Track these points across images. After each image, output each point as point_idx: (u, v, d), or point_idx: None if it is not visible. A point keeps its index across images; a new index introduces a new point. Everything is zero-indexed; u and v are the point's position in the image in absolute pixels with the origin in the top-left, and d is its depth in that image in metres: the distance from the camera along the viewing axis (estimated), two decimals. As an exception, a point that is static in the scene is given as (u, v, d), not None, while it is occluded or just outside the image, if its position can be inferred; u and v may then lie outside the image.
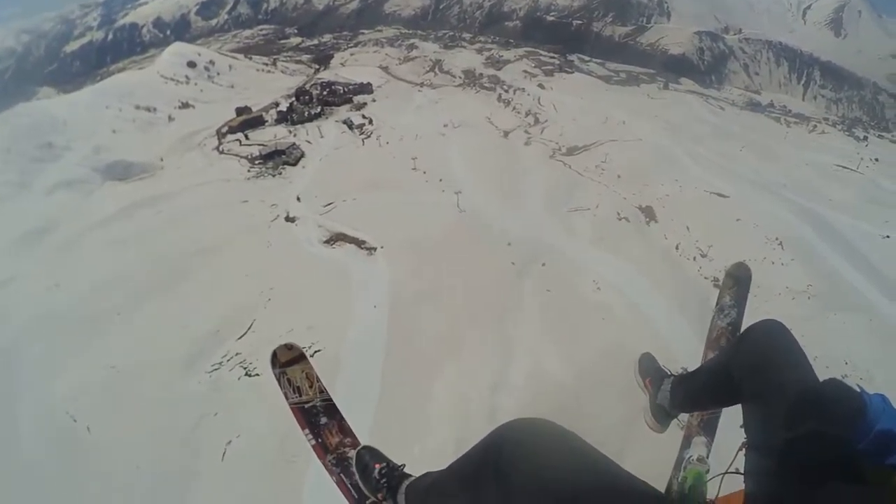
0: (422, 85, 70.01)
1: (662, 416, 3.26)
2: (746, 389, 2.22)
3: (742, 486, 1.96)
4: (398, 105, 58.04)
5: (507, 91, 64.86)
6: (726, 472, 2.20)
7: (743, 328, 3.16)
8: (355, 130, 49.29)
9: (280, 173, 40.38)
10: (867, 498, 1.50)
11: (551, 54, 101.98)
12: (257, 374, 19.55)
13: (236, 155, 45.16)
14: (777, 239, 28.07)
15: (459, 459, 2.13)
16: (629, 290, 24.13)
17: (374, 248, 26.73)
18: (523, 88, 64.90)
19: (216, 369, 20.49)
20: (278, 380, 3.09)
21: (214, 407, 18.76)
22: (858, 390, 1.70)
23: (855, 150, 51.35)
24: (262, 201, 34.61)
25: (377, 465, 2.94)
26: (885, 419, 1.56)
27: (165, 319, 23.11)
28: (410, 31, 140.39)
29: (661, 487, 2.28)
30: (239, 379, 19.86)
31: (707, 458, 3.23)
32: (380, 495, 2.85)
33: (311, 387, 3.04)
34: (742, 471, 1.99)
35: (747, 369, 2.25)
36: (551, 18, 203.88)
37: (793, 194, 34.71)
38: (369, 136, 46.79)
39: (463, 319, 21.73)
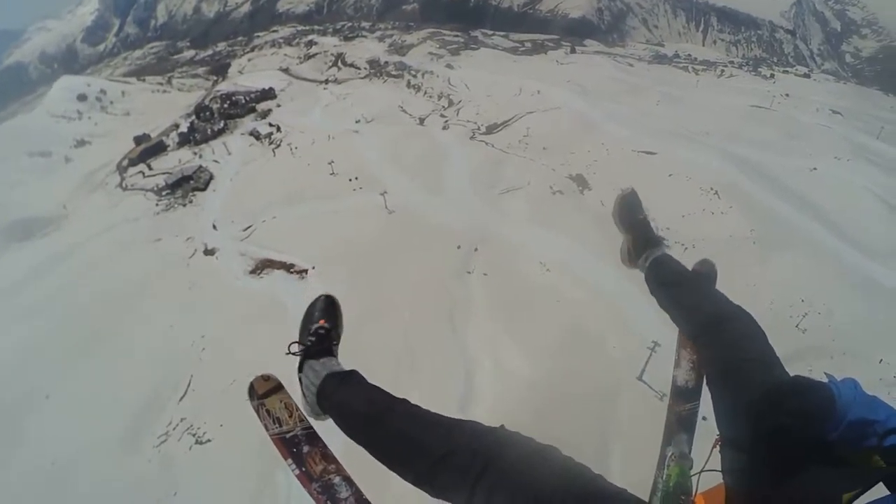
0: (326, 82, 67.36)
1: (634, 264, 3.32)
2: (712, 370, 2.35)
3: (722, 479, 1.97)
4: (305, 107, 55.62)
5: (415, 76, 63.24)
6: (703, 471, 2.20)
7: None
8: (263, 141, 46.73)
9: (191, 201, 37.85)
10: (847, 481, 1.53)
11: (454, 33, 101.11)
12: (209, 441, 17.91)
13: (141, 189, 42.28)
14: (712, 189, 27.95)
15: (428, 438, 2.12)
16: (577, 266, 23.35)
17: (305, 271, 25.00)
18: (431, 71, 63.50)
19: (163, 442, 18.69)
20: (257, 412, 2.83)
21: (170, 486, 17.01)
22: (827, 381, 1.70)
23: (765, 88, 52.87)
24: (176, 236, 32.29)
25: (322, 322, 2.79)
26: (856, 408, 1.59)
27: (95, 393, 20.99)
28: (307, 28, 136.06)
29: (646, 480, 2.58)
30: (190, 448, 18.08)
31: (689, 453, 2.98)
32: (295, 346, 2.69)
33: (290, 416, 2.79)
34: (720, 467, 2.01)
35: (713, 351, 2.36)
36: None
37: (717, 141, 34.93)
38: (279, 145, 44.30)
39: (413, 332, 20.50)
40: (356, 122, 46.43)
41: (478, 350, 19.41)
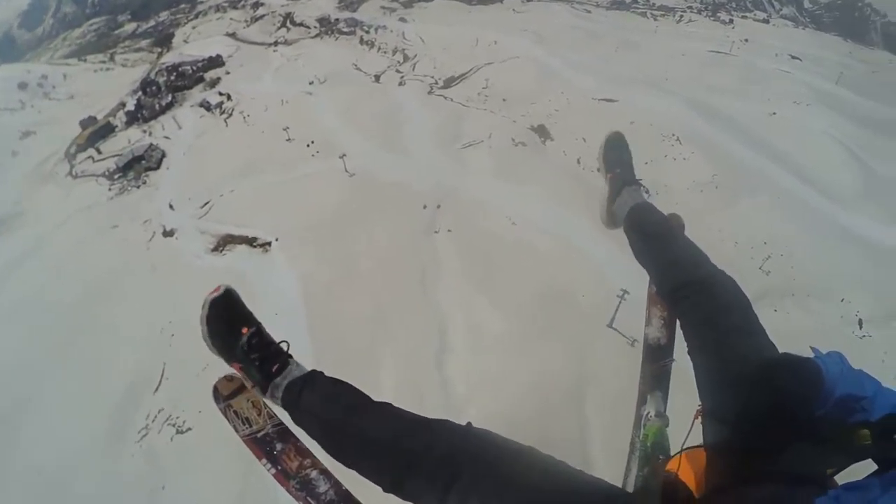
0: (276, 44, 64.63)
1: (615, 222, 3.29)
2: (695, 340, 2.27)
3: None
4: (255, 71, 53.46)
5: (367, 32, 61.29)
6: (684, 449, 2.09)
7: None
8: (215, 111, 44.97)
9: (144, 182, 36.43)
10: (831, 456, 1.55)
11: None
12: (189, 429, 17.53)
13: (92, 175, 40.50)
14: (673, 135, 27.92)
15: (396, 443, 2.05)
16: (543, 217, 23.09)
17: (269, 243, 24.29)
18: (384, 26, 61.62)
19: (144, 435, 18.20)
20: (224, 414, 2.93)
21: (159, 479, 16.61)
22: (814, 356, 1.69)
23: (724, 33, 52.80)
24: (132, 221, 31.11)
25: (246, 329, 2.58)
26: (843, 383, 1.59)
27: (74, 392, 20.38)
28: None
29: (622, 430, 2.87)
30: (172, 439, 17.65)
31: (665, 410, 3.16)
32: (236, 365, 2.58)
33: (259, 415, 2.85)
34: (702, 441, 2.02)
35: (696, 317, 2.31)
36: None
37: (677, 87, 34.80)
38: (231, 115, 42.65)
39: (384, 296, 20.12)
40: (309, 83, 44.92)
41: (450, 308, 19.19)
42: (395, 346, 17.87)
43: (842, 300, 18.31)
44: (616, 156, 3.59)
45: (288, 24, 75.71)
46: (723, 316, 2.27)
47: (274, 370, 2.58)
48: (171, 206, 30.70)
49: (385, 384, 16.40)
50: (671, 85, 35.50)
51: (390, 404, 2.34)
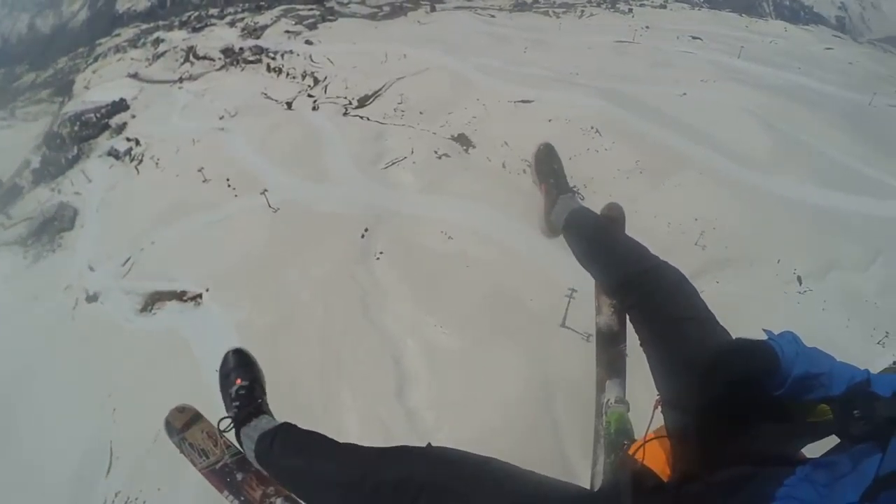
0: (181, 80, 62.29)
1: (554, 231, 3.36)
2: (646, 332, 2.33)
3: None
4: (162, 112, 51.34)
5: (274, 58, 59.70)
6: (647, 440, 2.09)
7: None
8: (124, 159, 42.95)
9: (60, 245, 34.75)
10: (794, 435, 1.63)
11: (308, 6, 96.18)
12: (153, 511, 16.66)
13: (5, 244, 38.53)
14: (592, 127, 28.31)
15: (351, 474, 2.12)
16: (480, 226, 22.93)
17: (199, 295, 23.40)
18: (291, 50, 60.26)
19: (102, 527, 17.21)
20: (180, 448, 2.81)
21: None
22: (767, 338, 1.71)
23: (626, 23, 54.38)
24: (53, 289, 29.66)
25: (239, 381, 2.84)
26: (799, 362, 1.62)
27: (16, 484, 19.03)
28: (151, 25, 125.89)
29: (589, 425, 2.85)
30: (138, 524, 16.81)
31: (624, 396, 3.21)
32: (224, 422, 2.80)
33: (216, 445, 2.76)
34: (664, 431, 2.03)
35: (645, 310, 2.35)
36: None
37: (588, 80, 35.41)
38: (141, 161, 40.70)
39: (330, 333, 19.47)
40: (220, 118, 43.41)
41: (400, 334, 18.79)
42: (352, 383, 17.38)
43: (778, 261, 19.10)
44: (547, 167, 3.66)
45: (191, 58, 73.36)
46: (671, 306, 2.31)
47: (246, 418, 2.74)
48: (90, 268, 29.33)
49: (349, 425, 16.02)
50: (582, 79, 36.17)
51: (353, 444, 2.37)
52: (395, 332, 18.92)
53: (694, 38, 45.35)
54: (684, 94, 31.15)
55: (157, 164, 38.89)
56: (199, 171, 32.52)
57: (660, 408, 2.14)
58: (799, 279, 18.55)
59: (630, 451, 2.13)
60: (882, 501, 1.22)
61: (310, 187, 28.79)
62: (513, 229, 21.69)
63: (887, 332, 15.98)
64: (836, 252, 19.42)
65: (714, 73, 34.07)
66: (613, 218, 3.31)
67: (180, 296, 24.02)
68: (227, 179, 31.58)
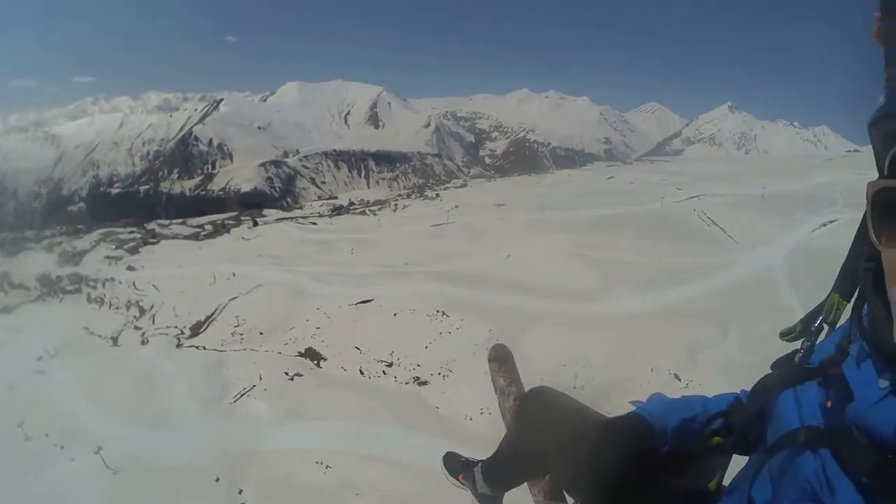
0: (-10, 318, 55.83)
1: (492, 501, 3.22)
2: (544, 455, 2.29)
3: None
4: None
5: (95, 287, 57.15)
6: None
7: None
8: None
9: None
10: (702, 473, 1.68)
11: (129, 229, 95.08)
12: None
13: None
14: (438, 311, 29.58)
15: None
16: (356, 445, 22.07)
17: None
18: (112, 277, 58.35)
19: None
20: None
21: None
22: (635, 409, 1.78)
23: (437, 207, 59.53)
24: None
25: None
26: (672, 415, 1.68)
27: None
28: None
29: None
30: None
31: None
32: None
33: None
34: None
35: (536, 437, 2.33)
36: (116, 190, 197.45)
37: (419, 267, 37.44)
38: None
39: None
40: (38, 359, 39.13)
41: None
42: None
43: (651, 370, 21.01)
44: (455, 462, 3.40)
45: (4, 287, 67.29)
46: (554, 416, 2.29)
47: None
48: None
49: None
50: (413, 267, 38.27)
51: None
52: None
53: (498, 205, 50.49)
54: (508, 256, 34.02)
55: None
56: (19, 426, 27.82)
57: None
58: (676, 376, 19.81)
59: None
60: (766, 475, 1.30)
61: (152, 437, 26.04)
62: (394, 438, 21.25)
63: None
64: (691, 337, 21.27)
65: (525, 229, 37.76)
66: (500, 357, 3.33)
67: None
68: (57, 440, 27.35)
